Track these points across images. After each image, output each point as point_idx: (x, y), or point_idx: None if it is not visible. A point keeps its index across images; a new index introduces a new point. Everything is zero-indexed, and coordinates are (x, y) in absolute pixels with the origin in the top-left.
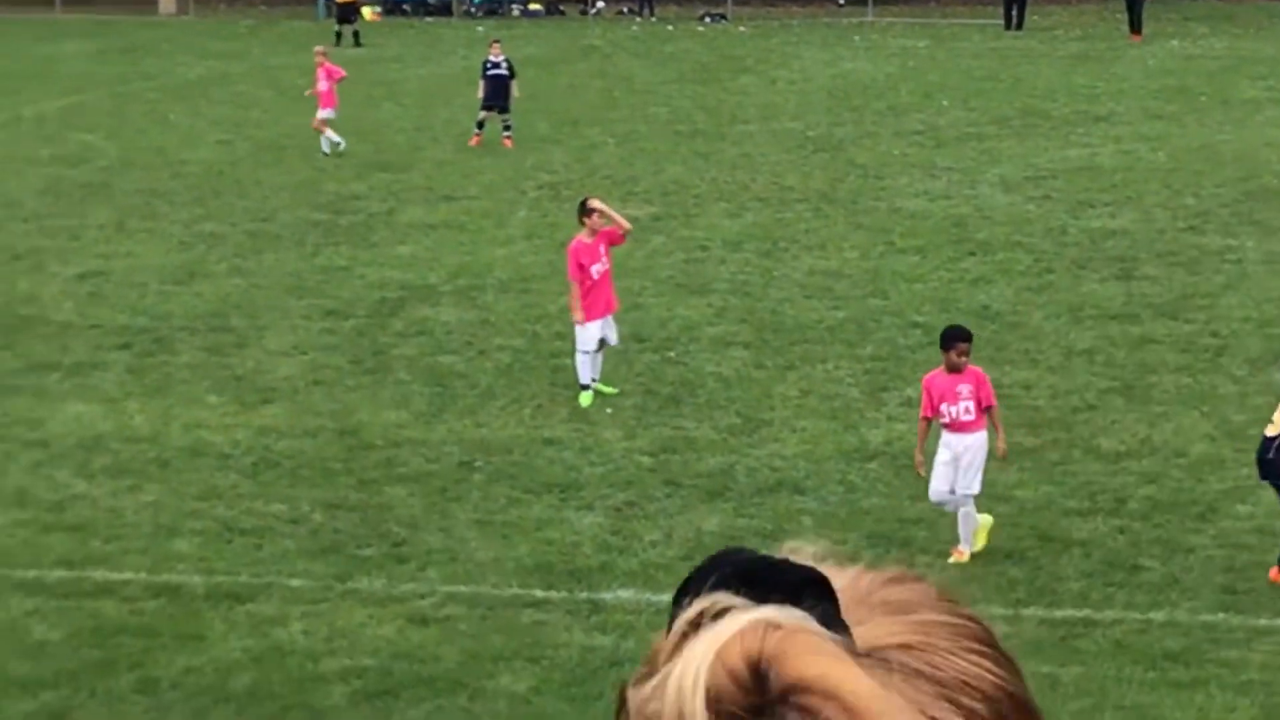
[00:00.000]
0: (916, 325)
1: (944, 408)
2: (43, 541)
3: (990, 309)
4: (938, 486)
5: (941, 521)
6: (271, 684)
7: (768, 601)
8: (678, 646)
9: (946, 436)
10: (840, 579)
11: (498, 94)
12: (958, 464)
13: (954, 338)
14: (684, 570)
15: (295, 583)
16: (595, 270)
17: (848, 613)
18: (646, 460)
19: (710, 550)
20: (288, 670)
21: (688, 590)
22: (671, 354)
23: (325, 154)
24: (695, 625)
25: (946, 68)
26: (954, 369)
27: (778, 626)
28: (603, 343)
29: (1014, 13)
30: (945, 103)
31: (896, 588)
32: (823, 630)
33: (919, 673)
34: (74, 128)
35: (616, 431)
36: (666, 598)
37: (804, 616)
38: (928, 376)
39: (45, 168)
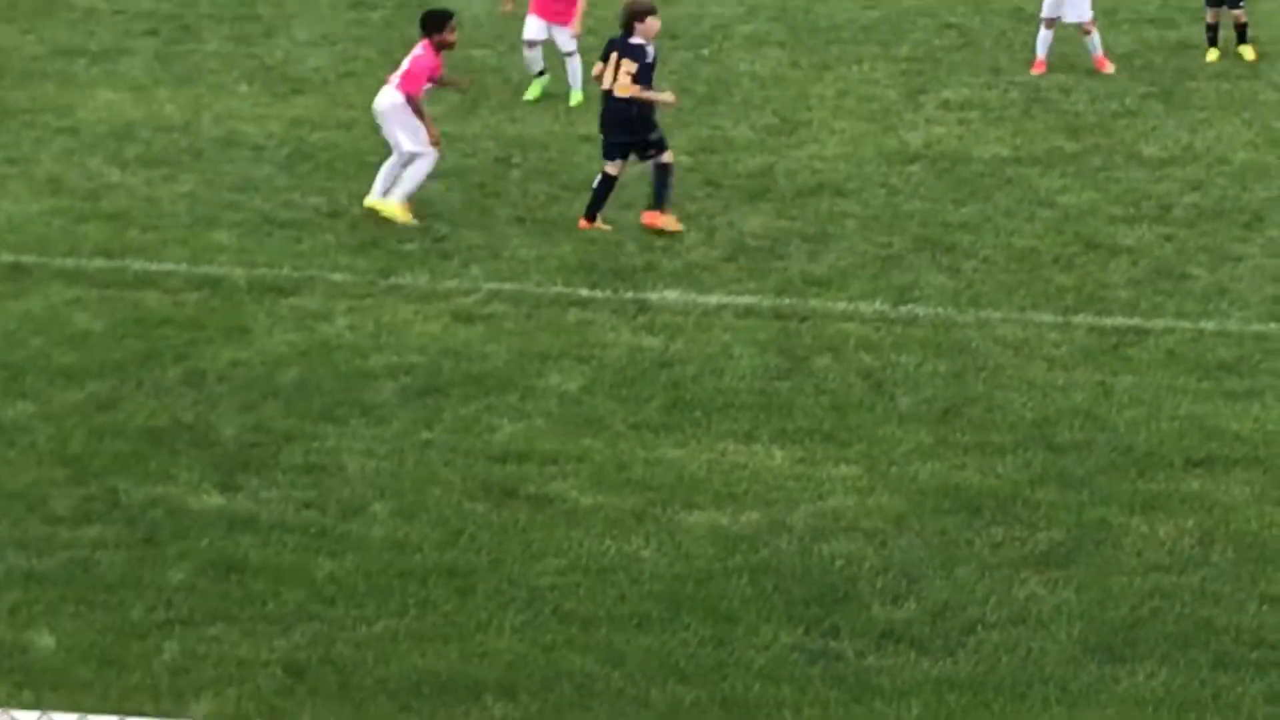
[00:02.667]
0: (950, 26)
1: None
2: (79, 230)
3: (1024, 11)
4: None
5: (985, 226)
6: (320, 379)
7: None
8: None
9: None
10: None
11: None
12: None
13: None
14: (728, 272)
15: (338, 277)
16: None
17: None
18: (685, 159)
19: (754, 252)
20: (335, 365)
21: None
22: (705, 52)
23: None
24: None
25: None
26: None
27: None
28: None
29: None
30: None
31: None
32: None
33: None
34: None
35: None
36: (713, 299)
37: None
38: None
39: None
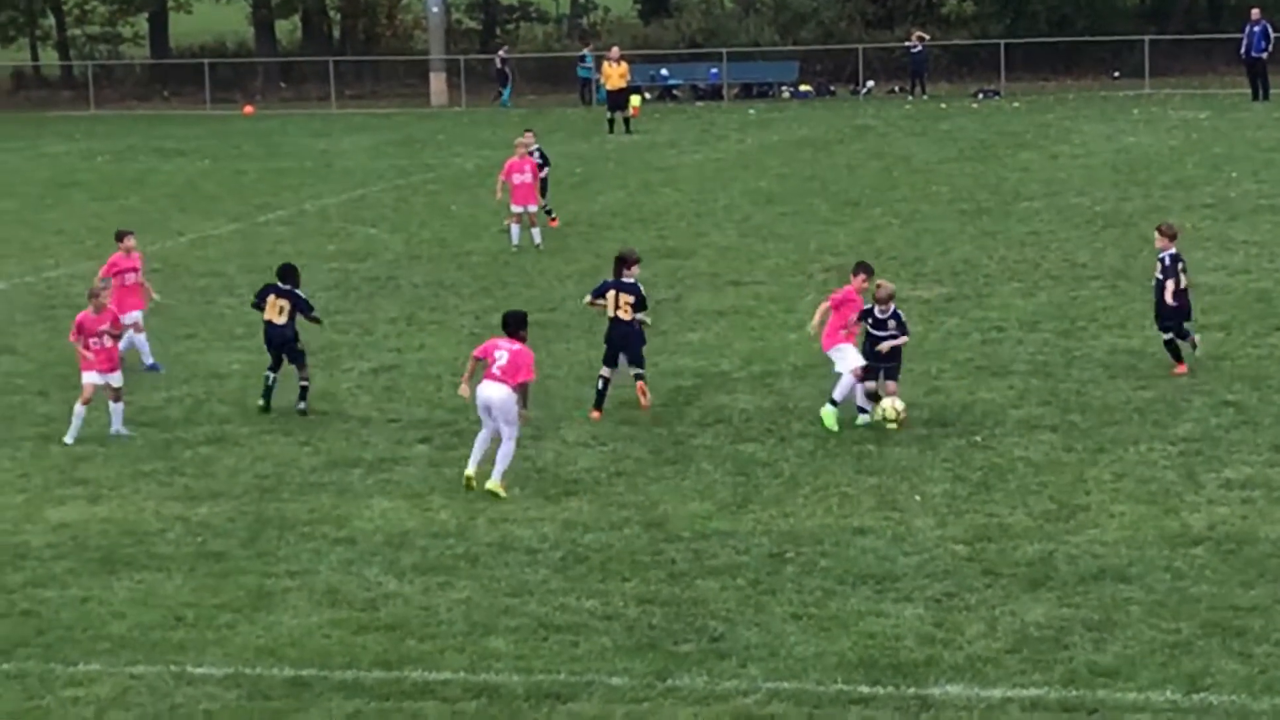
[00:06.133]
0: (1229, 404)
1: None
2: (358, 641)
3: None
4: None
5: (1276, 609)
6: None
7: None
8: None
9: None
10: None
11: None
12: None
13: None
14: (1012, 664)
15: (615, 681)
16: None
17: None
18: (961, 549)
19: (1038, 642)
20: None
21: None
22: (978, 438)
23: (517, 246)
24: None
25: (1231, 139)
26: None
27: None
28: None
29: (1258, 84)
30: (1234, 174)
31: None
32: None
33: None
34: (357, 221)
35: (928, 519)
36: (997, 693)
37: None
38: None
39: (332, 262)
